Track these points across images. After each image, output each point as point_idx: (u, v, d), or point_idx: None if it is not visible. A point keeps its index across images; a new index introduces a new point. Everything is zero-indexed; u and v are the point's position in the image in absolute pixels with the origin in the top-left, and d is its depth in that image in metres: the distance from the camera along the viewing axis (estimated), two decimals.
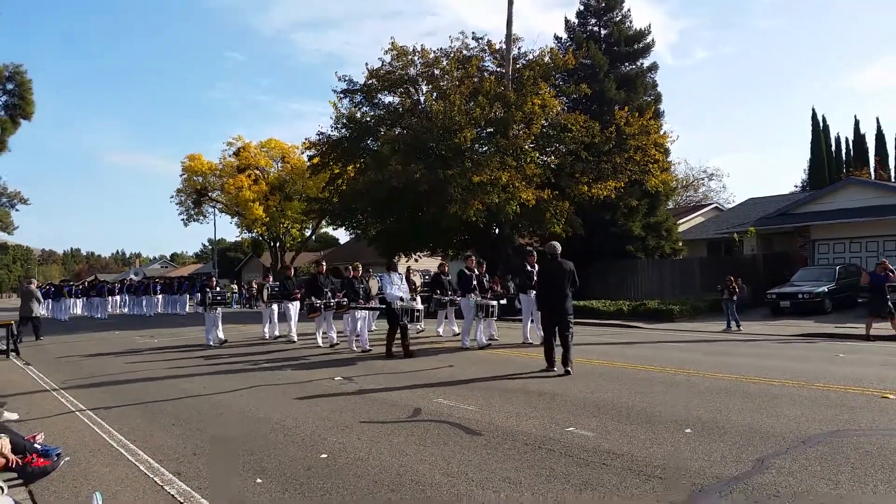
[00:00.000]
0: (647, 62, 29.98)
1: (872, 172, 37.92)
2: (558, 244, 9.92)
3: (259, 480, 4.99)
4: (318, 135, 27.48)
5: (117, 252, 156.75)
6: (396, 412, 7.27)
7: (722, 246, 30.87)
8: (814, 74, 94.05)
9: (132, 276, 44.07)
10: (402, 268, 13.78)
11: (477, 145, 23.98)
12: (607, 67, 27.78)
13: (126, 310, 34.87)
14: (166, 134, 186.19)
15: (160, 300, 33.02)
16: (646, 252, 27.63)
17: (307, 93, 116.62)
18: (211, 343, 15.13)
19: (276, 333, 16.47)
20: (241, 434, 6.50)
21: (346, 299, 13.75)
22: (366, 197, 25.11)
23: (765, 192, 59.97)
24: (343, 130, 26.91)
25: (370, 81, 26.07)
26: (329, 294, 14.51)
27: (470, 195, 21.71)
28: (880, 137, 42.02)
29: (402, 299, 12.15)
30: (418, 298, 15.63)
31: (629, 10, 29.96)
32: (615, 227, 26.29)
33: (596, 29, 29.99)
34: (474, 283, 13.75)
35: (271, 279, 18.32)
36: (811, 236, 24.94)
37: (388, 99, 26.95)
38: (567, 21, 30.72)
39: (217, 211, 50.89)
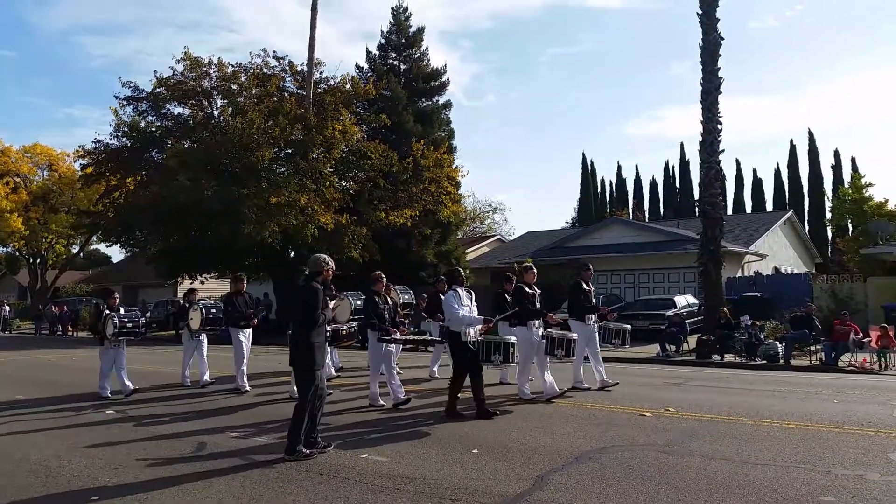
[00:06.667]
0: (442, 99, 31.87)
1: (631, 213, 43.54)
2: (321, 258, 6.55)
3: None
4: (95, 143, 25.09)
5: None
6: (181, 447, 6.76)
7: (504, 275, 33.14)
8: (586, 123, 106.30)
9: None
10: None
11: (275, 166, 23.51)
12: (406, 101, 28.88)
13: None
14: None
15: None
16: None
17: (89, 99, 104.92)
18: (109, 394, 9.88)
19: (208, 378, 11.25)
20: None
21: (367, 327, 9.17)
22: (147, 212, 23.28)
23: (542, 227, 65.74)
24: (124, 139, 24.85)
25: (158, 90, 24.43)
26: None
27: (266, 216, 21.11)
28: (638, 182, 48.92)
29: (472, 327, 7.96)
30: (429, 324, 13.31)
31: (427, 48, 31.75)
32: (410, 254, 27.14)
33: (396, 63, 31.11)
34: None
35: (198, 297, 12.25)
36: None
37: (177, 110, 25.49)
38: (369, 52, 31.57)
39: None
